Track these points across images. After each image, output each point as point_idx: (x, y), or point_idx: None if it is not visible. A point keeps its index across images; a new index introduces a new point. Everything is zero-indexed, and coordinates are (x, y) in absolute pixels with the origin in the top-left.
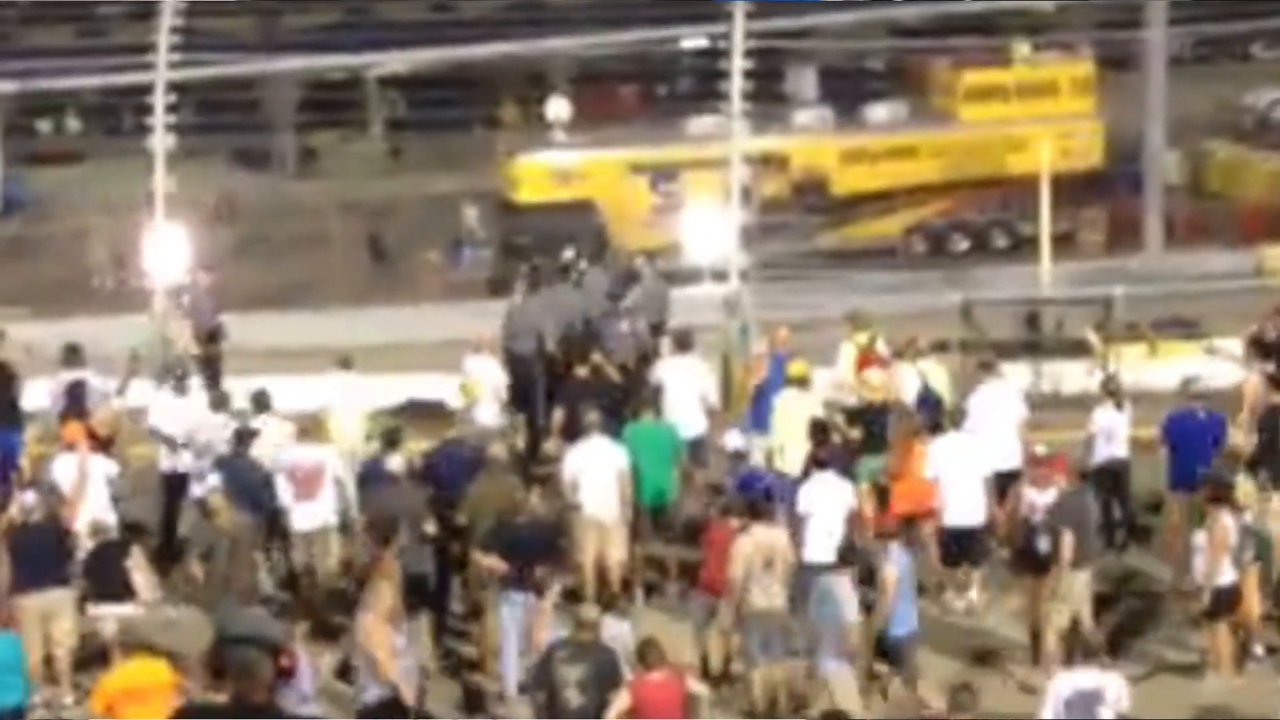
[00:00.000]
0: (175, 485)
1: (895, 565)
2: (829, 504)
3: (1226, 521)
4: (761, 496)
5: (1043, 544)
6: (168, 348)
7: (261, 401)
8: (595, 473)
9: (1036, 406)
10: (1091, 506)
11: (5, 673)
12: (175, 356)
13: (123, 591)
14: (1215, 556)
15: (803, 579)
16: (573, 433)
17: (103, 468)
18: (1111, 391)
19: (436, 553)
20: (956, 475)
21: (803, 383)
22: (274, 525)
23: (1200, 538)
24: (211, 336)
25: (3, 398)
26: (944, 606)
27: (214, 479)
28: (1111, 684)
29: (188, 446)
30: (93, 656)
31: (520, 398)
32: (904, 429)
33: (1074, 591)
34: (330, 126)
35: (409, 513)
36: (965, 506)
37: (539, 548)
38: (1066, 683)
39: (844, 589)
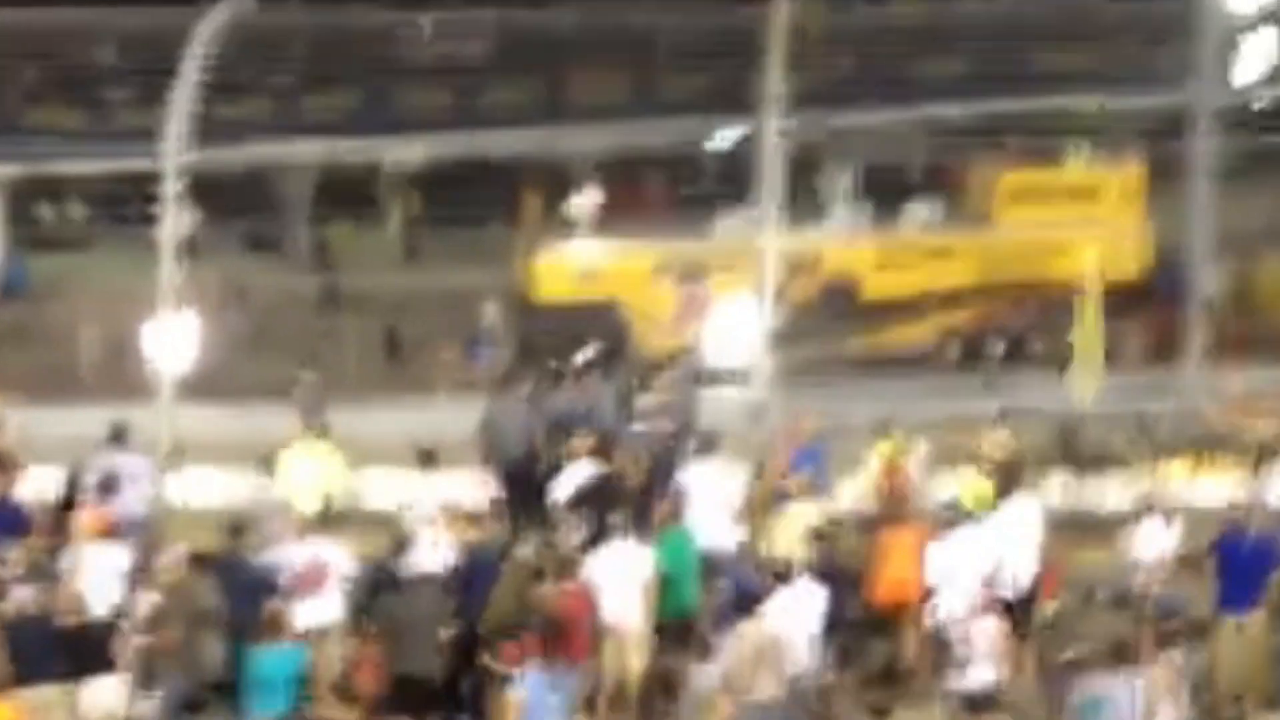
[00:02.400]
0: None
1: None
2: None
3: (1176, 662)
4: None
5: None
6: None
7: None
8: (619, 579)
9: (1071, 524)
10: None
11: None
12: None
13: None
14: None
15: None
16: (596, 537)
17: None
18: (1150, 508)
19: (453, 657)
20: (953, 577)
21: (804, 494)
22: None
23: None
24: (321, 433)
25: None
26: None
27: None
28: None
29: None
30: None
31: (517, 503)
32: (885, 517)
33: None
34: (346, 217)
35: (421, 618)
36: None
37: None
38: None
39: None
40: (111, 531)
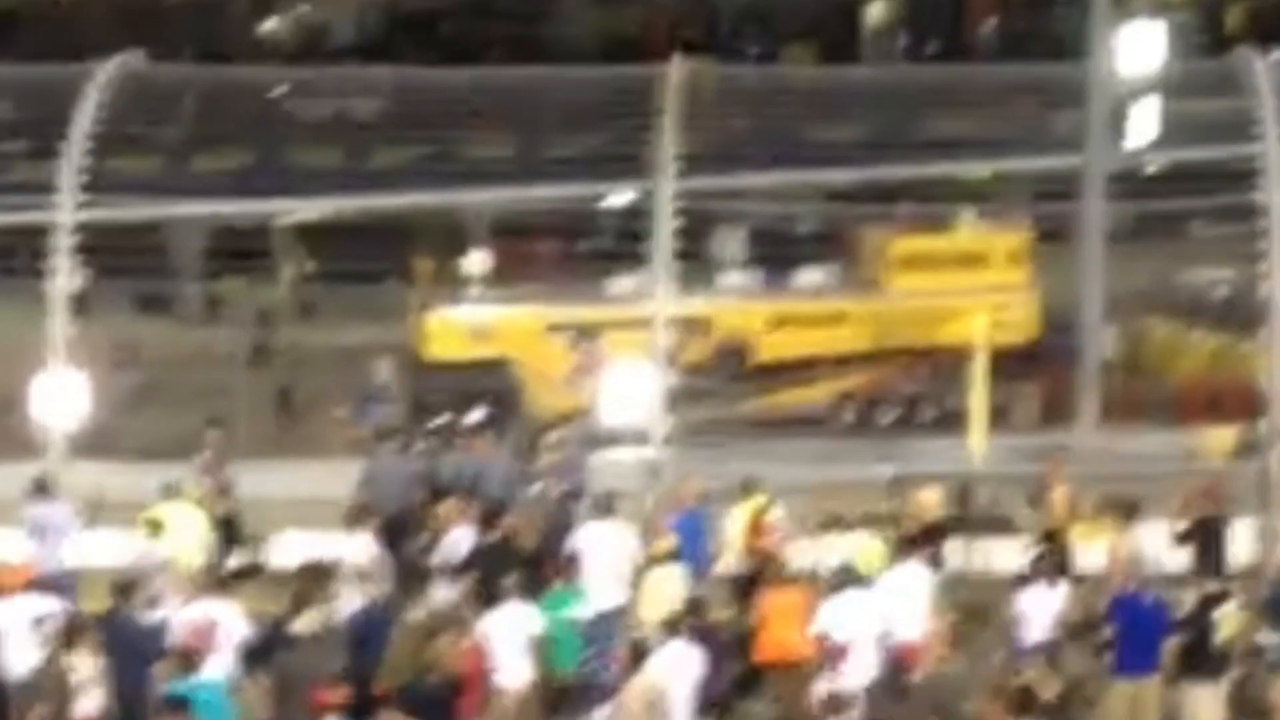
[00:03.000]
0: None
1: None
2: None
3: None
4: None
5: None
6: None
7: None
8: (509, 639)
9: (964, 586)
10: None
11: None
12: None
13: None
14: None
15: None
16: (487, 598)
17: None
18: (1043, 571)
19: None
20: (845, 634)
21: (671, 558)
22: None
23: None
24: (224, 491)
25: None
26: None
27: None
28: None
29: None
30: None
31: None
32: (770, 575)
33: None
34: (237, 273)
35: (314, 678)
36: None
37: (444, 708)
38: None
39: None
40: (36, 585)
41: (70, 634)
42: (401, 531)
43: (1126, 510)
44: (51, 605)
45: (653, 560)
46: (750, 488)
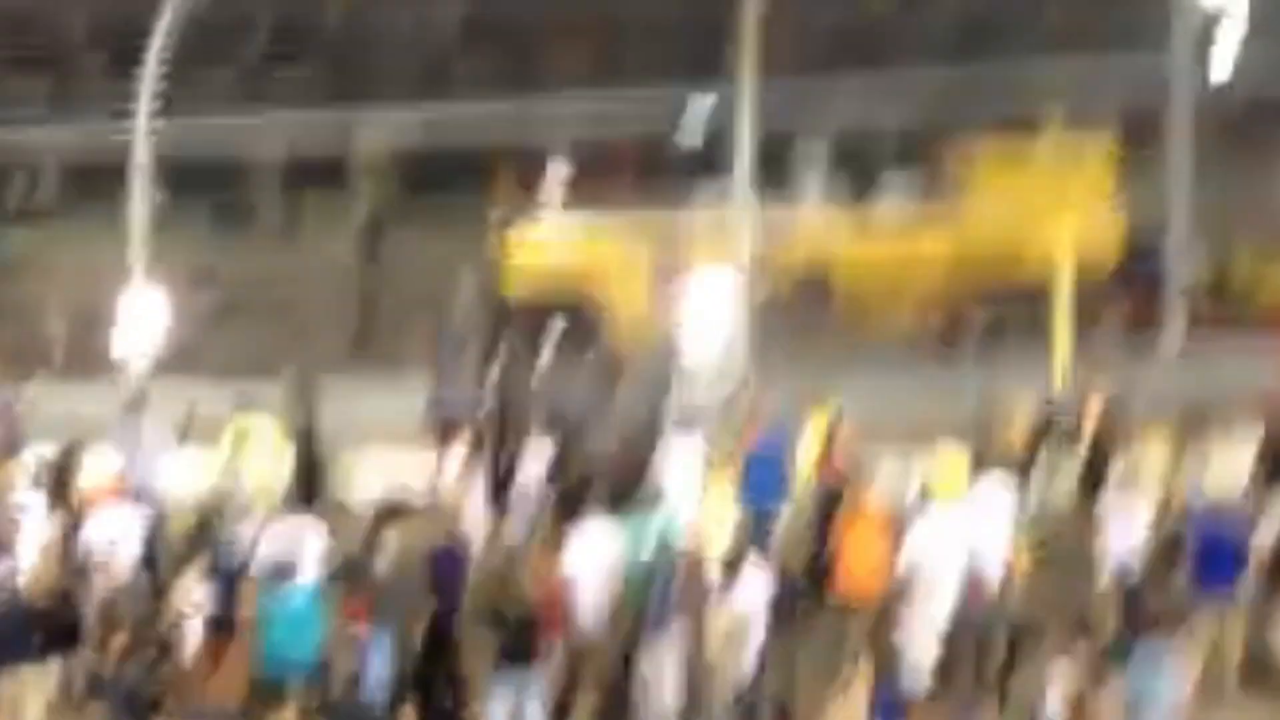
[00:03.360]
0: None
1: None
2: None
3: None
4: None
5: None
6: None
7: None
8: (592, 566)
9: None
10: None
11: None
12: None
13: None
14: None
15: None
16: (569, 518)
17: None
18: (1124, 489)
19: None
20: (933, 564)
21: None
22: None
23: None
24: (309, 409)
25: None
26: None
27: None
28: None
29: None
30: None
31: None
32: (847, 505)
33: None
34: (317, 188)
35: (398, 605)
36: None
37: (528, 636)
38: None
39: None
40: (126, 495)
41: (180, 558)
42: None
43: (1192, 429)
44: (141, 519)
45: (712, 480)
46: (822, 400)
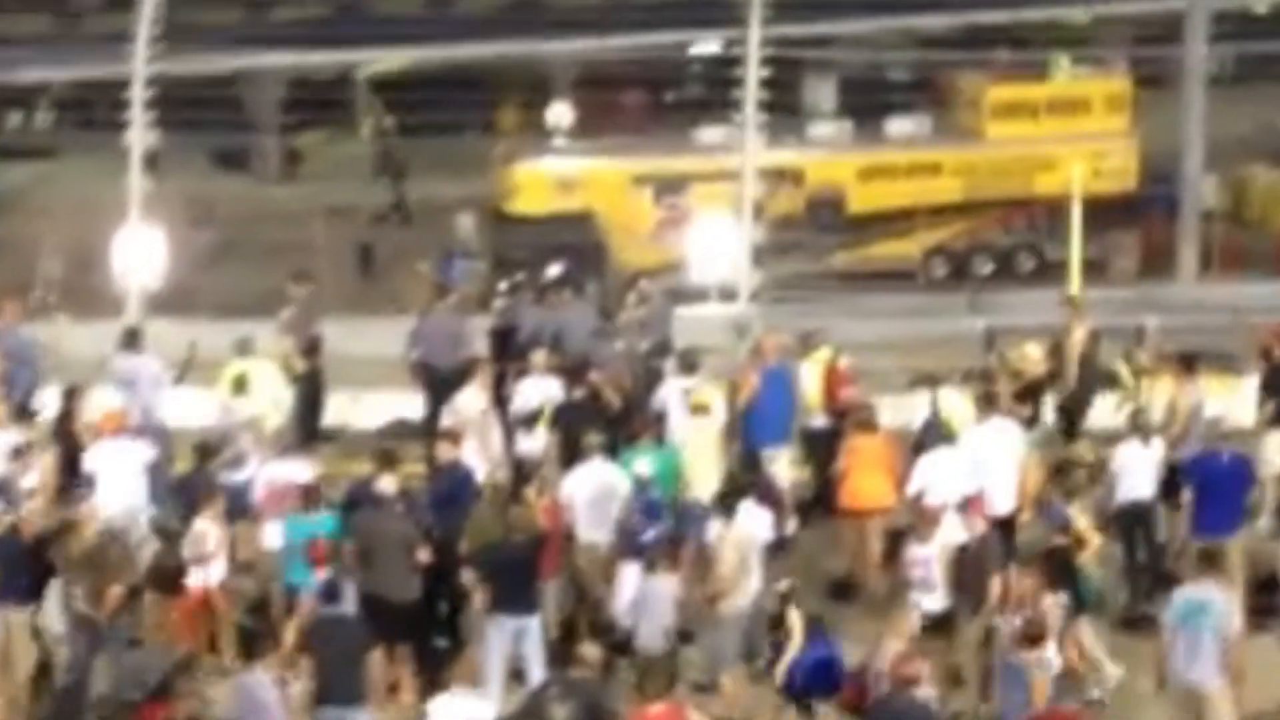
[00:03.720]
0: None
1: None
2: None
3: None
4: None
5: (928, 602)
6: None
7: None
8: (594, 497)
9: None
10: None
11: None
12: None
13: None
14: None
15: None
16: (570, 456)
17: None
18: (1139, 426)
19: (427, 582)
20: (940, 494)
21: (702, 410)
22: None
23: None
24: (312, 349)
25: None
26: None
27: None
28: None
29: None
30: None
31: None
32: (855, 423)
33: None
34: (317, 127)
35: (398, 538)
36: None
37: (528, 567)
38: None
39: None
40: (128, 430)
41: (198, 500)
42: (454, 389)
43: (1186, 363)
44: (145, 451)
45: (695, 410)
46: (812, 342)
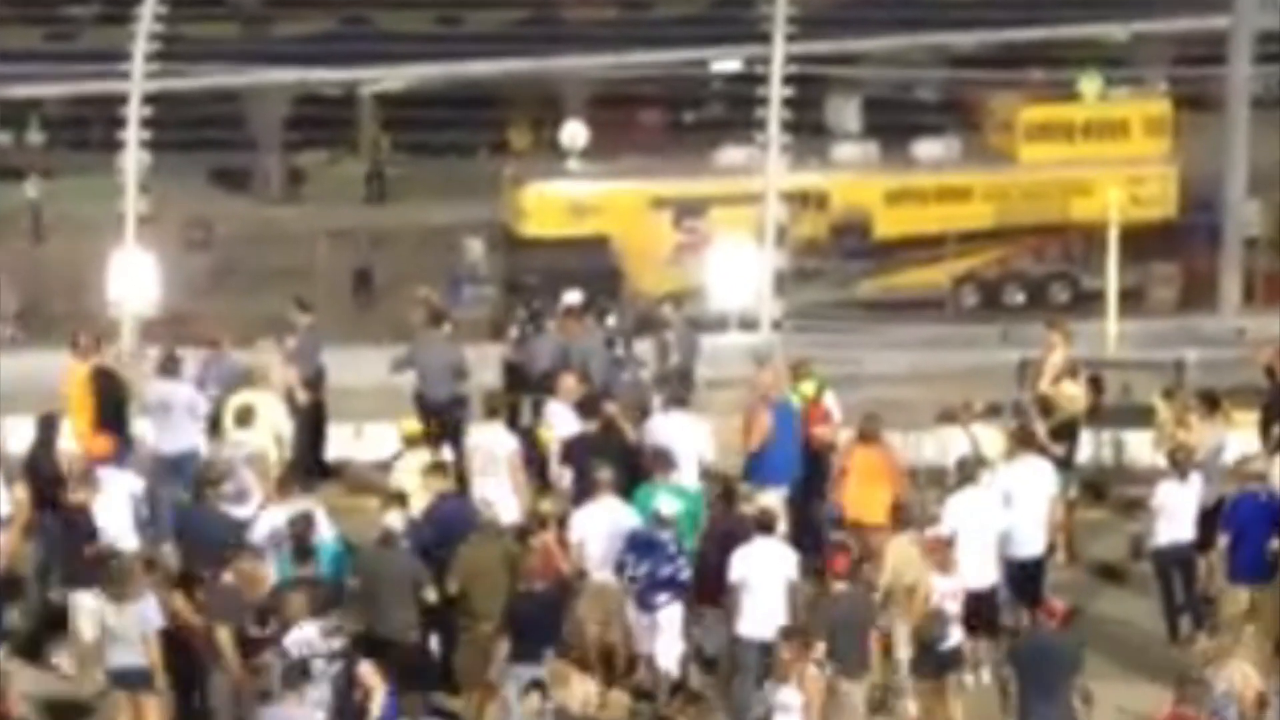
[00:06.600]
0: None
1: None
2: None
3: None
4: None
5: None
6: None
7: None
8: (605, 536)
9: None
10: None
11: None
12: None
13: None
14: None
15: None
16: (581, 492)
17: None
18: (1178, 463)
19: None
20: (971, 533)
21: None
22: None
23: None
24: (315, 380)
25: None
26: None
27: None
28: None
29: None
30: None
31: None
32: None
33: None
34: (319, 147)
35: (404, 576)
36: (976, 567)
37: (551, 617)
38: None
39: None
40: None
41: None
42: (442, 416)
43: (1209, 402)
44: (131, 481)
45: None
46: (801, 370)
